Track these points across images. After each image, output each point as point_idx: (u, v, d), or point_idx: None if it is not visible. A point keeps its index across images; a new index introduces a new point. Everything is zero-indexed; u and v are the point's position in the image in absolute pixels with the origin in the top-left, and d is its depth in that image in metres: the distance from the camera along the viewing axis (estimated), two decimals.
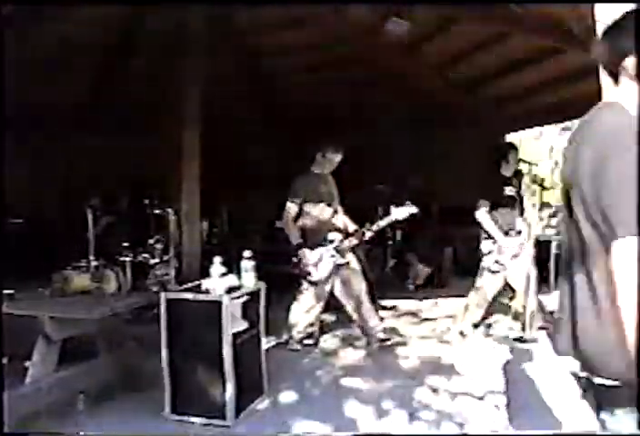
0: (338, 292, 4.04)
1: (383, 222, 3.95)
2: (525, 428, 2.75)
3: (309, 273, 3.89)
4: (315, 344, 4.18)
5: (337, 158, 4.08)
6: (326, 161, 4.07)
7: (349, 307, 4.05)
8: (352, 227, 4.09)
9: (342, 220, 4.15)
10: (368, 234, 3.97)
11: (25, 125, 5.92)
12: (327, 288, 4.00)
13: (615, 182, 1.09)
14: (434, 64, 6.26)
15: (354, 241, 3.97)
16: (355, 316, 4.08)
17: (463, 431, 2.73)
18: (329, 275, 3.93)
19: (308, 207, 3.96)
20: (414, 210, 3.91)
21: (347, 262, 3.97)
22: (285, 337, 4.13)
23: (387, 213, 3.95)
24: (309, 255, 3.88)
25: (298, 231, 3.95)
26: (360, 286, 4.02)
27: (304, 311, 4.03)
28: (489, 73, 6.07)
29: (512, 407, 2.97)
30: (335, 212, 4.11)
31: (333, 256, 3.90)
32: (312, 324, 4.17)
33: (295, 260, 3.91)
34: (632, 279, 1.06)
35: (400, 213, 3.90)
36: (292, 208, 3.93)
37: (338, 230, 4.03)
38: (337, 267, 3.94)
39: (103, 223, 5.31)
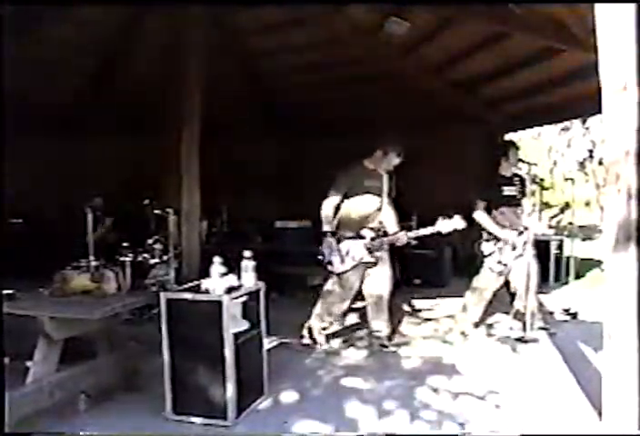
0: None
1: (423, 231, 3.82)
2: (525, 428, 2.75)
3: (331, 263, 3.86)
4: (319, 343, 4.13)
5: (396, 161, 4.00)
6: (385, 160, 4.00)
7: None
8: (392, 228, 3.98)
9: (386, 218, 4.04)
10: (403, 240, 3.85)
11: (26, 125, 5.92)
12: (355, 284, 3.94)
13: None
14: (433, 63, 6.26)
15: (385, 242, 3.90)
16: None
17: (463, 431, 2.73)
18: (352, 269, 3.89)
19: (350, 199, 3.91)
20: (461, 225, 3.68)
21: (375, 263, 3.91)
22: (305, 340, 4.11)
23: (433, 222, 3.77)
24: (336, 245, 3.84)
25: (334, 221, 3.89)
26: (367, 287, 4.00)
27: (327, 308, 4.01)
28: (488, 73, 6.07)
29: (512, 407, 2.98)
30: (379, 209, 4.02)
31: (360, 252, 3.86)
32: (333, 322, 4.13)
33: (322, 247, 3.87)
34: None
35: (446, 226, 3.70)
36: (333, 198, 3.88)
37: (375, 228, 3.96)
38: (363, 264, 3.90)
39: (106, 224, 5.31)
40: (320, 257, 3.90)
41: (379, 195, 4.00)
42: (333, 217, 3.90)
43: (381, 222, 4.01)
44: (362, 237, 3.89)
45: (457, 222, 3.68)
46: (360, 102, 7.06)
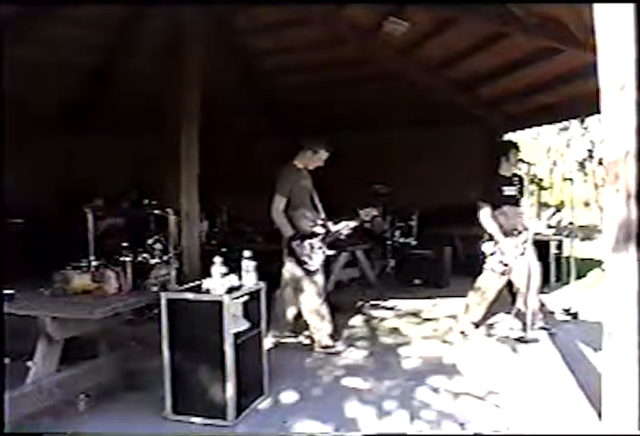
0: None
1: (353, 223, 4.10)
2: (525, 428, 2.75)
3: (305, 263, 3.90)
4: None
5: (326, 155, 4.11)
6: (316, 157, 4.09)
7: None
8: (329, 223, 4.11)
9: (322, 215, 4.16)
10: (345, 231, 4.10)
11: (26, 125, 5.92)
12: (323, 280, 4.03)
13: None
14: (433, 63, 6.26)
15: (335, 235, 4.05)
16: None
17: (463, 431, 2.74)
18: (321, 266, 3.96)
19: (294, 201, 3.97)
20: (374, 212, 4.14)
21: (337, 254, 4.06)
22: (303, 340, 4.13)
23: (357, 214, 4.12)
24: (302, 246, 3.90)
25: (290, 222, 3.96)
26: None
27: (320, 308, 3.99)
28: (488, 73, 6.07)
29: (512, 407, 2.98)
30: (315, 207, 4.12)
31: (321, 247, 3.93)
32: (329, 321, 4.06)
33: (290, 250, 3.91)
34: None
35: (366, 214, 4.08)
36: (281, 201, 3.93)
37: (321, 224, 4.05)
38: (326, 259, 4.01)
39: (104, 225, 5.30)
40: (293, 261, 3.93)
41: (311, 192, 4.12)
42: (284, 217, 3.94)
43: (324, 219, 4.12)
44: (316, 234, 3.98)
45: (373, 211, 4.14)
46: (360, 102, 7.07)
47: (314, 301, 3.96)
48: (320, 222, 4.06)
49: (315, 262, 3.92)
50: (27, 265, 4.91)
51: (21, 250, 5.56)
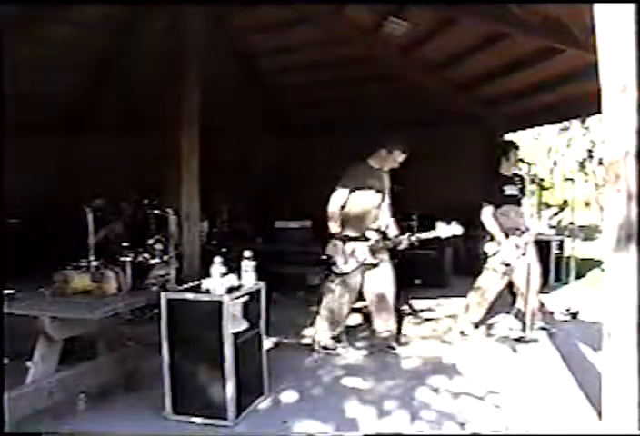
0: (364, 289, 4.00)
1: (423, 236, 3.84)
2: (525, 428, 2.75)
3: (335, 264, 3.84)
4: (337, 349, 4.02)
5: (401, 158, 4.02)
6: (390, 158, 4.01)
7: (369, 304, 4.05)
8: (393, 231, 4.01)
9: (388, 219, 4.08)
10: (405, 244, 3.87)
11: (26, 125, 5.92)
12: (357, 285, 3.93)
13: None
14: (433, 63, 6.26)
15: (389, 244, 3.91)
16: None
17: (463, 431, 2.73)
18: (354, 271, 3.87)
19: (354, 198, 3.91)
20: (458, 231, 3.73)
21: (377, 263, 3.90)
22: (307, 340, 4.09)
23: (432, 226, 3.80)
24: (341, 247, 3.84)
25: (340, 220, 3.89)
26: (369, 286, 3.97)
27: (330, 310, 3.96)
28: (488, 73, 6.07)
29: (512, 407, 2.97)
30: (379, 208, 4.04)
31: (363, 254, 3.85)
32: (339, 325, 4.04)
33: (327, 248, 3.85)
34: None
35: (444, 231, 3.74)
36: (340, 196, 3.88)
37: (377, 229, 3.96)
38: (364, 265, 3.89)
39: (102, 233, 5.29)
40: (324, 257, 3.88)
41: (380, 195, 4.02)
42: (339, 214, 3.89)
43: (387, 225, 4.03)
44: (366, 238, 3.88)
45: (455, 229, 3.72)
46: (360, 102, 7.07)
47: (329, 303, 3.94)
48: (375, 226, 3.95)
49: (348, 266, 3.84)
50: (27, 265, 4.91)
51: (20, 250, 5.55)
